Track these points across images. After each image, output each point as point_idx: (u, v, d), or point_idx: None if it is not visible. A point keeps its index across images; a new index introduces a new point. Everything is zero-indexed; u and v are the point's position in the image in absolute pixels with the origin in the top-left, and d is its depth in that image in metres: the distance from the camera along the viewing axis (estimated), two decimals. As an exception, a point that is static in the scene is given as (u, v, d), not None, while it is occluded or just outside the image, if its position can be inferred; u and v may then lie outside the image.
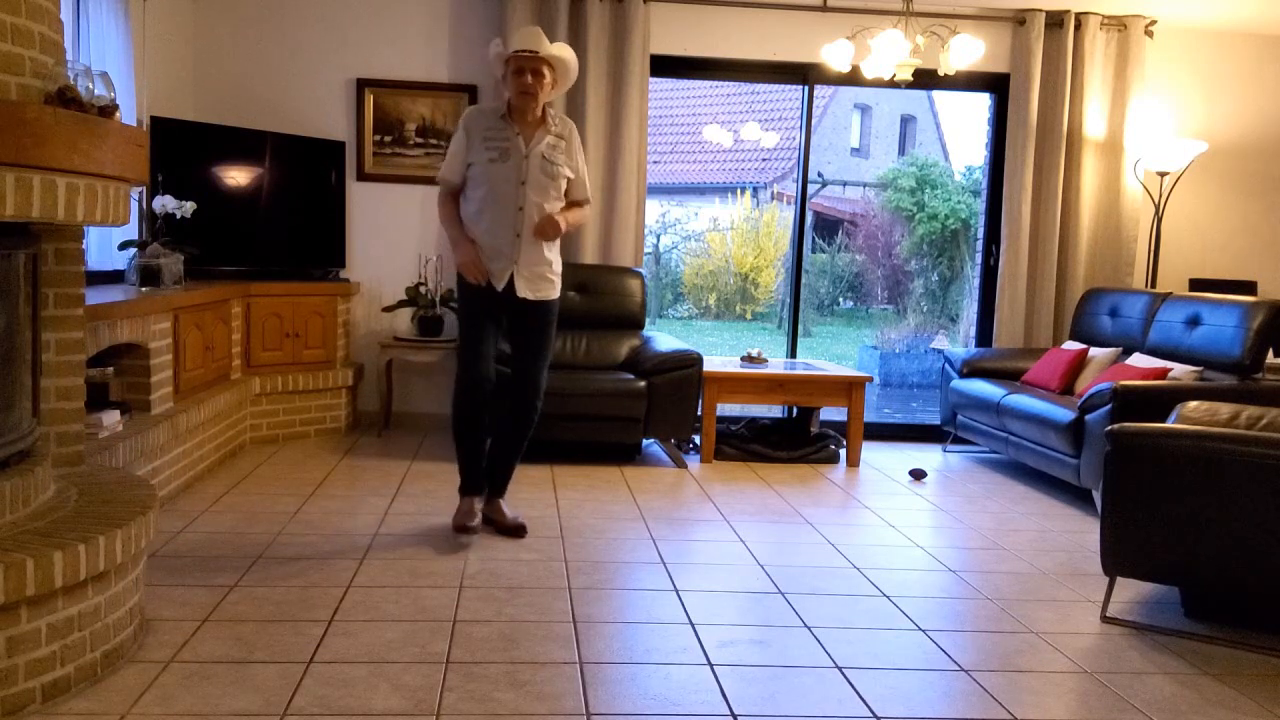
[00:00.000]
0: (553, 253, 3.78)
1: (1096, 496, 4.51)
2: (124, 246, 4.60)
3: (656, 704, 2.50)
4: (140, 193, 4.83)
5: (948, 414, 5.86)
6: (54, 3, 2.61)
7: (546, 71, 3.64)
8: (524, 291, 3.71)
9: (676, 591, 3.32)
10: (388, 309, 5.75)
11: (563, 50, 3.67)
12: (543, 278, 3.75)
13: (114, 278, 4.67)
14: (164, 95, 5.24)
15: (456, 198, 3.79)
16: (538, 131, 3.69)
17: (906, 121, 17.50)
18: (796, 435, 5.62)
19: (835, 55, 5.16)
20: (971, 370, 5.73)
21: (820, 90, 7.48)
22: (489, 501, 3.94)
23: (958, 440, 5.97)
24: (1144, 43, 5.92)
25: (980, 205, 6.38)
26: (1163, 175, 5.92)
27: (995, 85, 6.09)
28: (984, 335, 6.27)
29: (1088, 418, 4.53)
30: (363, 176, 5.83)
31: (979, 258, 6.33)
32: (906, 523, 4.36)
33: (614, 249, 5.76)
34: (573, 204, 3.84)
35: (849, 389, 5.41)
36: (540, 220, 3.67)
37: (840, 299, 14.98)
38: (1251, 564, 2.95)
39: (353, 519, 3.98)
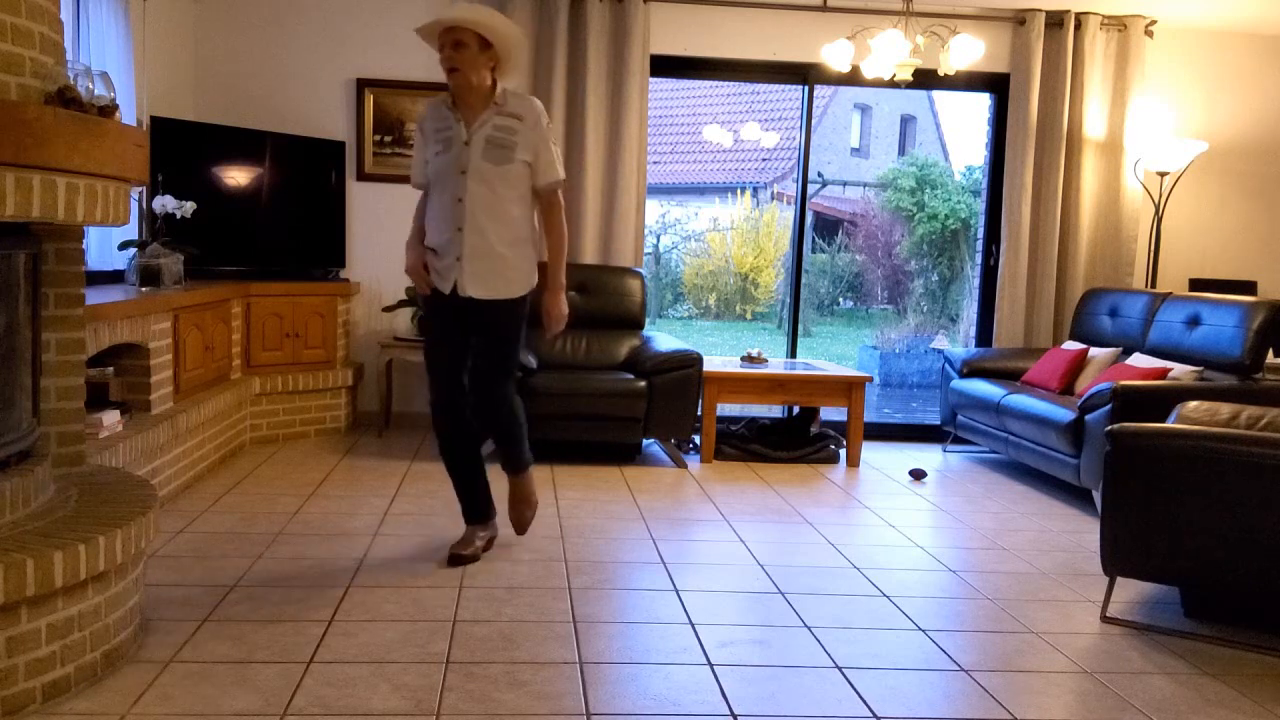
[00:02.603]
0: (511, 248, 3.38)
1: (1096, 496, 4.51)
2: (124, 246, 4.60)
3: (656, 704, 2.50)
4: (140, 193, 4.83)
5: (948, 414, 5.86)
6: (54, 3, 2.61)
7: (469, 40, 3.24)
8: (471, 289, 3.35)
9: (676, 591, 3.32)
10: (388, 309, 5.75)
11: (474, 12, 3.23)
12: (493, 273, 3.36)
13: (114, 278, 4.67)
14: (164, 95, 5.24)
15: None
16: (482, 114, 3.33)
17: (906, 121, 17.49)
18: (796, 435, 5.62)
19: (835, 55, 5.16)
20: (971, 370, 5.73)
21: (820, 90, 7.46)
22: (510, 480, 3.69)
23: (958, 440, 5.97)
24: (1144, 43, 5.92)
25: (980, 205, 6.38)
26: (1163, 175, 5.92)
27: (995, 85, 6.09)
28: (984, 335, 6.27)
29: (1088, 418, 4.53)
30: (363, 176, 5.83)
31: (979, 258, 6.33)
32: (906, 523, 4.36)
33: (614, 249, 5.76)
34: (545, 208, 3.48)
35: (849, 389, 5.41)
36: (553, 325, 3.53)
37: (840, 299, 14.98)
38: (1251, 564, 2.95)
39: (353, 519, 3.98)
